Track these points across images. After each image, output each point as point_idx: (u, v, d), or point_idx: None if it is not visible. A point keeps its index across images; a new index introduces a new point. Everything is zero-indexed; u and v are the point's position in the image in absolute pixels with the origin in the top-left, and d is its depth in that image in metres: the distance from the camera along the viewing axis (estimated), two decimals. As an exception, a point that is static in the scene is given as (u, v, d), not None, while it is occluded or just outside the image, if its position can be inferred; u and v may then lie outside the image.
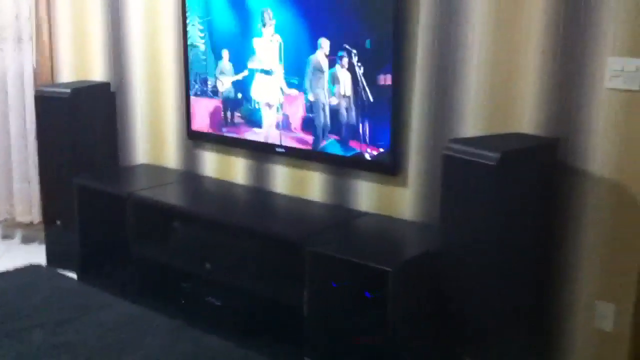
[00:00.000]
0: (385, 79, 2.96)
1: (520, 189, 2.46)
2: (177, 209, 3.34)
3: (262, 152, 3.48)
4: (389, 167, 3.04)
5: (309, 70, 3.18)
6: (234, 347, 3.03)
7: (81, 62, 4.12)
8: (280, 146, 3.36)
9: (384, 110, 2.99)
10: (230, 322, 3.15)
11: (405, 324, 2.64)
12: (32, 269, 3.86)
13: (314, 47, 3.13)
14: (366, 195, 3.18)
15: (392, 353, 2.64)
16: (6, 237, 4.44)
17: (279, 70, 3.30)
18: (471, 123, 2.82)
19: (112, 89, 4.00)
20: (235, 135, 3.53)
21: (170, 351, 3.00)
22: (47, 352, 2.98)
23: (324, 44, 3.09)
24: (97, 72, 4.06)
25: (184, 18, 3.60)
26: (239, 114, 3.51)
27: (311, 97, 3.21)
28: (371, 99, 3.01)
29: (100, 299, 3.51)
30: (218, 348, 3.04)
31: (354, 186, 3.22)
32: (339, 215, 3.17)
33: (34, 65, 4.14)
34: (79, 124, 3.83)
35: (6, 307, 3.37)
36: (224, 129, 3.57)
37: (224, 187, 3.61)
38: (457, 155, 2.45)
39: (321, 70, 3.14)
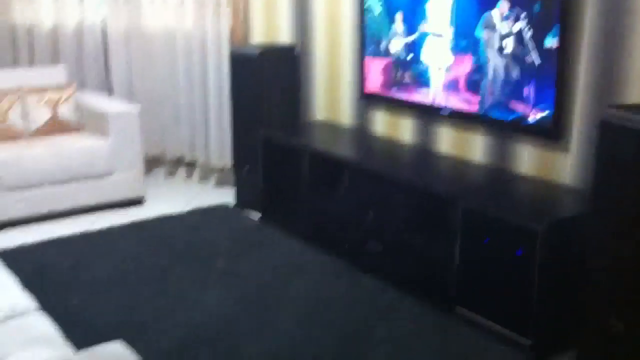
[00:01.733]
0: (553, 43, 2.99)
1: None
2: (346, 161, 3.62)
3: (428, 113, 3.65)
4: (551, 132, 3.09)
5: (480, 32, 3.28)
6: (389, 291, 3.30)
7: (271, 26, 4.50)
8: (445, 108, 3.51)
9: (549, 73, 3.03)
10: (388, 268, 3.40)
11: (552, 281, 2.73)
12: (221, 208, 4.40)
13: (489, 8, 3.21)
14: (526, 158, 3.25)
15: (538, 309, 2.74)
16: (203, 179, 5.01)
17: (449, 31, 3.42)
18: (636, 91, 2.79)
19: (296, 51, 4.35)
20: (403, 96, 3.73)
21: (332, 288, 3.35)
22: (226, 278, 3.45)
23: (503, 5, 3.16)
24: (284, 35, 4.42)
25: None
26: (408, 75, 3.70)
27: (479, 59, 3.31)
28: (538, 62, 3.06)
29: (275, 237, 3.95)
30: (374, 289, 3.33)
31: (515, 149, 3.30)
32: (497, 177, 3.28)
33: (230, 28, 4.59)
34: (266, 81, 4.22)
35: (196, 238, 3.91)
36: (394, 89, 3.78)
37: (391, 145, 3.84)
38: (614, 121, 2.47)
39: (490, 32, 3.23)
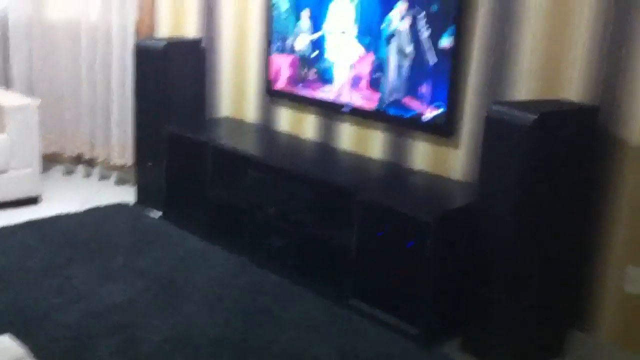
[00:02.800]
0: (448, 42, 3.12)
1: (555, 152, 2.59)
2: (250, 157, 3.64)
3: (331, 110, 3.72)
4: (443, 129, 3.22)
5: (380, 31, 3.38)
6: (288, 283, 3.35)
7: (177, 19, 4.48)
8: (348, 105, 3.59)
9: (444, 72, 3.16)
10: (288, 262, 3.45)
11: (441, 272, 2.84)
12: (121, 206, 4.32)
13: (389, 8, 3.31)
14: (421, 154, 3.38)
15: (426, 299, 2.85)
16: (103, 177, 4.90)
17: (352, 30, 3.51)
18: (522, 89, 2.95)
19: (202, 45, 4.34)
20: (308, 93, 3.79)
21: (232, 282, 3.35)
22: (126, 273, 3.40)
23: (401, 5, 3.26)
24: (191, 28, 4.41)
25: (269, -19, 3.88)
26: (313, 71, 3.76)
27: (380, 57, 3.41)
28: (434, 61, 3.18)
29: (177, 233, 3.92)
30: (274, 283, 3.37)
31: (411, 146, 3.41)
32: (393, 171, 3.39)
33: (136, 20, 4.54)
34: (171, 76, 4.18)
35: (95, 235, 3.83)
36: (299, 85, 3.84)
37: (295, 141, 3.89)
38: (497, 117, 2.61)
39: (391, 32, 3.33)
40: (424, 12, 3.18)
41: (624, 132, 2.69)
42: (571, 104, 2.76)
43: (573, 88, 2.80)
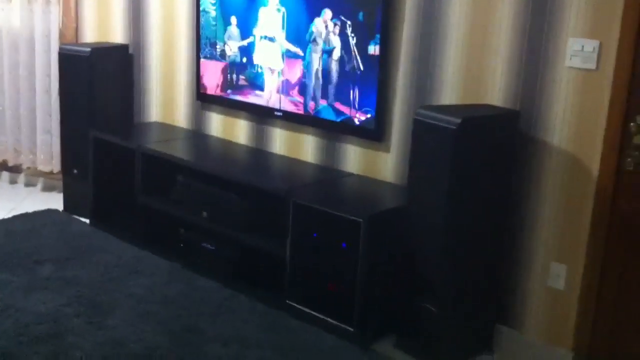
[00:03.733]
0: (375, 50, 3.20)
1: (479, 154, 2.70)
2: (180, 162, 3.62)
3: (263, 115, 3.75)
4: (374, 133, 3.29)
5: (308, 38, 3.43)
6: (223, 288, 3.35)
7: (103, 25, 4.41)
8: (279, 110, 3.63)
9: (372, 79, 3.23)
10: (223, 267, 3.45)
11: (373, 272, 2.90)
12: (48, 213, 4.22)
13: (315, 16, 3.37)
14: (353, 158, 3.44)
15: (361, 299, 2.91)
16: (28, 184, 4.78)
17: (280, 36, 3.55)
18: (448, 94, 3.06)
19: (130, 51, 4.29)
20: (239, 98, 3.81)
21: (166, 288, 3.33)
22: (55, 282, 3.33)
23: (327, 13, 3.33)
24: (117, 34, 4.35)
25: (197, -14, 3.88)
26: (243, 78, 3.78)
27: (309, 64, 3.46)
28: (361, 68, 3.26)
29: (106, 241, 3.85)
30: (209, 288, 3.36)
31: (343, 149, 3.48)
32: (326, 175, 3.44)
33: (60, 26, 4.45)
34: (97, 82, 4.12)
35: (22, 243, 3.73)
36: (229, 91, 3.85)
37: (226, 146, 3.89)
38: (424, 120, 2.70)
39: (318, 39, 3.39)
40: (350, 22, 3.25)
41: (544, 135, 2.82)
42: (494, 108, 2.88)
43: (495, 94, 2.92)
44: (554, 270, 2.87)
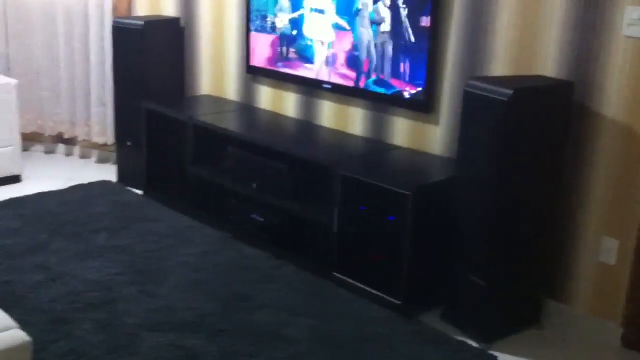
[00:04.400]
0: (426, 21, 3.16)
1: (532, 126, 2.65)
2: (231, 134, 3.67)
3: (312, 87, 3.75)
4: (423, 105, 3.27)
5: (356, 11, 3.41)
6: (272, 258, 3.39)
7: (155, -1, 4.47)
8: (328, 82, 3.63)
9: (422, 50, 3.20)
10: (271, 237, 3.49)
11: (421, 245, 2.90)
12: (103, 184, 4.33)
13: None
14: (402, 131, 3.42)
15: (407, 271, 2.91)
16: (84, 156, 4.90)
17: (331, 9, 3.54)
18: (499, 66, 3.00)
19: (181, 24, 4.34)
20: (288, 71, 3.82)
21: (216, 257, 3.40)
22: (109, 250, 3.43)
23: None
24: (169, 8, 4.40)
25: (248, -41, 3.89)
26: (293, 50, 3.78)
27: (359, 36, 3.44)
28: (412, 40, 3.22)
29: (158, 211, 3.94)
30: (257, 258, 3.41)
31: (391, 122, 3.46)
32: (374, 148, 3.44)
33: (113, 0, 4.52)
34: (150, 54, 4.18)
35: (78, 213, 3.85)
36: (279, 64, 3.86)
37: (275, 119, 3.92)
38: (475, 92, 2.66)
39: (366, 11, 3.36)
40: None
41: (599, 107, 2.75)
42: (547, 79, 2.82)
43: (549, 64, 2.86)
44: (606, 245, 2.82)
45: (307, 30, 3.69)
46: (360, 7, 3.40)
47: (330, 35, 3.57)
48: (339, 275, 3.17)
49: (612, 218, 2.80)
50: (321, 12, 3.60)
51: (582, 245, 2.89)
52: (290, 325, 2.81)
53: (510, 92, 2.53)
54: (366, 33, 3.40)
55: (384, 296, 3.00)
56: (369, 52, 3.41)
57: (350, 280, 3.13)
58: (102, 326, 2.73)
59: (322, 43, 3.63)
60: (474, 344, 2.78)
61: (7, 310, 2.00)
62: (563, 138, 2.80)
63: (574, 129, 2.82)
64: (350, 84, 3.52)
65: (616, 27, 2.66)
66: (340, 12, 3.50)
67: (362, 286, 3.09)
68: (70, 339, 2.63)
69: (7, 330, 1.70)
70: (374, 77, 3.42)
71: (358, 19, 3.42)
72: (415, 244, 2.88)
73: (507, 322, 2.88)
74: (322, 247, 3.27)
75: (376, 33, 3.36)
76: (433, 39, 3.17)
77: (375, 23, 3.35)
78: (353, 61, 3.50)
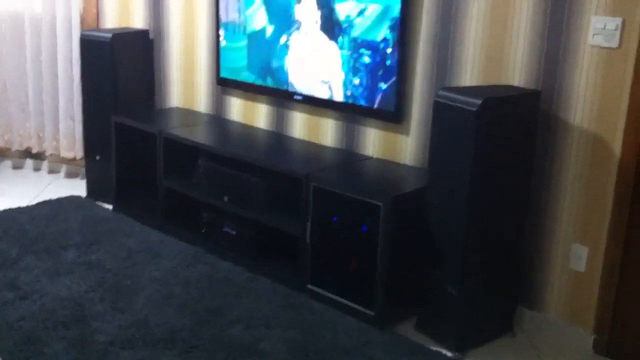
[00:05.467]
0: (394, 31, 3.18)
1: (501, 135, 2.68)
2: (201, 146, 3.64)
3: (282, 98, 3.75)
4: (393, 116, 3.28)
5: (327, 22, 3.42)
6: (245, 271, 3.38)
7: (123, 10, 4.43)
8: (299, 94, 3.62)
9: (392, 60, 3.21)
10: (244, 250, 3.47)
11: (394, 255, 2.91)
12: (72, 199, 4.27)
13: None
14: (372, 141, 3.44)
15: (381, 282, 2.91)
16: (52, 171, 4.83)
17: (306, 19, 3.53)
18: (468, 76, 3.03)
19: (150, 36, 4.31)
20: (259, 83, 3.81)
21: (188, 271, 3.36)
22: (79, 267, 3.38)
23: None
24: (138, 19, 4.37)
25: (216, -29, 3.88)
26: (264, 61, 3.78)
27: (331, 45, 3.45)
28: (381, 50, 3.23)
29: (129, 226, 3.90)
30: (230, 271, 3.39)
31: (362, 133, 3.47)
32: (345, 158, 3.44)
33: (81, 11, 4.47)
34: (119, 67, 4.14)
35: (47, 229, 3.78)
36: (250, 75, 3.85)
37: (246, 130, 3.91)
38: (445, 102, 2.68)
39: (337, 22, 3.37)
40: (368, 4, 3.23)
41: (565, 115, 2.79)
42: (514, 88, 2.85)
43: (516, 74, 2.89)
44: (576, 252, 2.85)
45: (277, 41, 3.69)
46: (332, 18, 3.40)
47: (300, 46, 3.57)
48: (313, 288, 3.16)
49: (581, 225, 2.83)
50: (291, 24, 3.60)
51: (553, 252, 2.92)
52: (264, 339, 2.79)
53: (479, 101, 2.56)
54: (334, 43, 3.41)
55: (359, 307, 3.00)
56: (336, 62, 3.42)
57: (325, 292, 3.12)
58: (73, 344, 2.69)
59: (294, 53, 3.63)
60: (448, 353, 2.79)
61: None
62: (531, 146, 2.83)
63: (542, 137, 2.86)
64: (321, 95, 3.53)
65: (582, 36, 2.70)
66: (310, 23, 3.50)
67: (336, 298, 3.08)
68: (41, 359, 2.58)
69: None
70: (342, 87, 3.42)
71: (330, 30, 3.43)
72: (389, 254, 2.89)
73: (481, 331, 2.89)
74: (295, 260, 3.26)
75: (344, 43, 3.37)
76: (401, 49, 3.19)
77: (343, 33, 3.36)
78: (321, 72, 3.50)
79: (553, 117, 2.82)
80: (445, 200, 2.74)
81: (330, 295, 3.10)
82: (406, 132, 3.30)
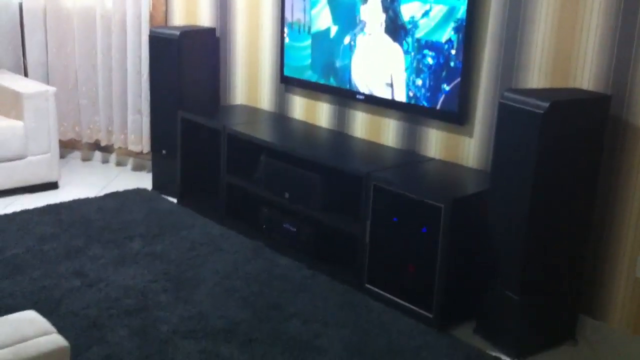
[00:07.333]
0: (460, 31, 3.15)
1: (568, 139, 2.62)
2: (264, 143, 3.69)
3: (345, 98, 3.76)
4: (457, 117, 3.26)
5: (391, 24, 3.42)
6: (303, 268, 3.41)
7: (191, 8, 4.52)
8: (361, 93, 3.63)
9: (457, 61, 3.19)
10: (303, 246, 3.50)
11: (454, 257, 2.89)
12: (138, 192, 4.39)
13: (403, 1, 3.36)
14: (434, 142, 3.42)
15: (440, 284, 2.90)
16: (119, 164, 4.98)
17: (371, 20, 3.54)
18: (535, 78, 2.98)
19: (217, 34, 4.39)
20: (322, 81, 3.83)
21: (249, 266, 3.42)
22: (143, 257, 3.47)
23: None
24: (205, 18, 4.46)
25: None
26: (326, 60, 3.80)
27: (394, 47, 3.44)
28: (447, 51, 3.22)
29: (193, 219, 3.98)
30: (289, 267, 3.42)
31: (425, 133, 3.46)
32: (407, 159, 3.43)
33: (150, 9, 4.59)
34: (185, 64, 4.24)
35: (113, 220, 3.90)
36: (313, 74, 3.87)
37: (308, 128, 3.94)
38: (510, 104, 2.64)
39: (405, 23, 3.37)
40: (435, 4, 3.21)
41: (635, 120, 2.72)
42: (583, 92, 2.79)
43: (585, 77, 2.83)
44: (643, 261, 2.78)
45: (342, 40, 3.70)
46: (397, 20, 3.40)
47: (364, 46, 3.58)
48: (370, 287, 3.17)
49: (650, 234, 2.76)
50: (361, 22, 3.61)
51: (618, 260, 2.85)
52: (321, 336, 2.82)
53: (546, 104, 2.51)
54: (400, 44, 3.40)
55: (417, 309, 2.99)
56: (400, 62, 3.41)
57: (382, 292, 3.13)
58: (136, 332, 2.77)
59: (355, 53, 3.64)
60: (507, 359, 2.76)
61: (44, 315, 2.04)
62: (599, 152, 2.77)
63: (610, 143, 2.79)
64: (384, 95, 3.53)
65: (655, 40, 2.63)
66: (374, 24, 3.50)
67: (394, 298, 3.08)
68: (105, 345, 2.67)
69: (46, 334, 1.73)
70: (406, 87, 3.42)
71: (394, 31, 3.42)
72: (449, 256, 2.87)
73: (541, 337, 2.85)
74: (354, 258, 3.27)
75: (410, 45, 3.36)
76: (467, 50, 3.16)
77: (407, 33, 3.35)
78: (385, 71, 3.50)
79: (623, 123, 2.75)
80: (508, 205, 2.70)
81: (388, 295, 3.10)
82: (469, 134, 3.27)
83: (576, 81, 2.86)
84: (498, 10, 3.08)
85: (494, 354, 2.78)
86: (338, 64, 3.74)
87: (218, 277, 3.26)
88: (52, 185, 4.44)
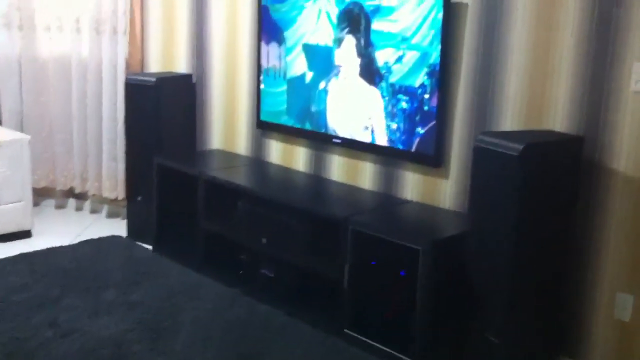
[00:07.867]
0: (434, 75, 3.20)
1: (543, 181, 2.65)
2: (241, 189, 3.68)
3: (321, 142, 3.78)
4: (432, 160, 3.28)
5: (366, 68, 3.46)
6: (282, 315, 3.36)
7: (167, 55, 4.55)
8: (337, 137, 3.65)
9: (431, 105, 3.23)
10: (282, 293, 3.47)
11: (433, 300, 2.87)
12: (113, 239, 4.33)
13: (376, 49, 3.41)
14: (411, 185, 3.43)
15: (420, 328, 2.88)
16: (93, 211, 4.92)
17: (346, 65, 3.58)
18: (508, 122, 3.03)
19: (193, 80, 4.41)
20: (297, 126, 3.85)
21: (225, 314, 3.36)
22: (119, 306, 3.40)
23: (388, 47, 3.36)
24: (181, 64, 4.48)
25: (260, 17, 3.96)
26: (303, 106, 3.82)
27: (370, 91, 3.48)
28: (419, 94, 3.25)
29: (168, 267, 3.93)
30: (267, 314, 3.38)
31: (401, 176, 3.47)
32: (384, 201, 3.44)
33: (126, 56, 4.60)
34: (162, 110, 4.24)
35: (87, 269, 3.84)
36: (289, 119, 3.89)
37: (285, 173, 3.94)
38: (485, 147, 2.67)
39: (378, 70, 3.41)
40: (407, 51, 3.26)
41: (609, 161, 2.76)
42: (556, 134, 2.83)
43: (558, 119, 2.88)
44: (620, 301, 2.79)
45: (317, 85, 3.73)
46: (371, 65, 3.44)
47: (338, 91, 3.61)
48: (350, 332, 3.14)
49: (626, 273, 2.77)
50: (331, 70, 3.65)
51: (597, 301, 2.86)
52: (301, 384, 2.77)
53: (521, 146, 2.54)
54: (376, 88, 3.44)
55: (397, 354, 2.96)
56: (375, 106, 3.45)
57: (363, 338, 3.09)
58: (111, 385, 2.70)
59: (330, 98, 3.67)
60: (489, 403, 2.73)
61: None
62: (574, 192, 2.80)
63: (584, 183, 2.82)
64: (359, 138, 3.55)
65: (624, 83, 2.68)
66: (349, 69, 3.54)
67: (374, 344, 3.05)
68: (79, 398, 2.60)
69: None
70: (381, 130, 3.44)
71: (367, 76, 3.46)
72: (429, 299, 2.86)
73: (523, 380, 2.83)
74: (333, 303, 3.24)
75: (386, 88, 3.39)
76: (441, 94, 3.20)
77: (382, 77, 3.39)
78: (360, 115, 3.53)
79: (596, 163, 2.79)
80: (487, 246, 2.71)
81: (368, 340, 3.07)
82: (445, 176, 3.29)
83: (549, 123, 2.90)
84: (471, 56, 3.13)
85: (476, 398, 2.76)
86: (314, 108, 3.76)
87: (195, 326, 3.21)
88: (26, 234, 4.37)
